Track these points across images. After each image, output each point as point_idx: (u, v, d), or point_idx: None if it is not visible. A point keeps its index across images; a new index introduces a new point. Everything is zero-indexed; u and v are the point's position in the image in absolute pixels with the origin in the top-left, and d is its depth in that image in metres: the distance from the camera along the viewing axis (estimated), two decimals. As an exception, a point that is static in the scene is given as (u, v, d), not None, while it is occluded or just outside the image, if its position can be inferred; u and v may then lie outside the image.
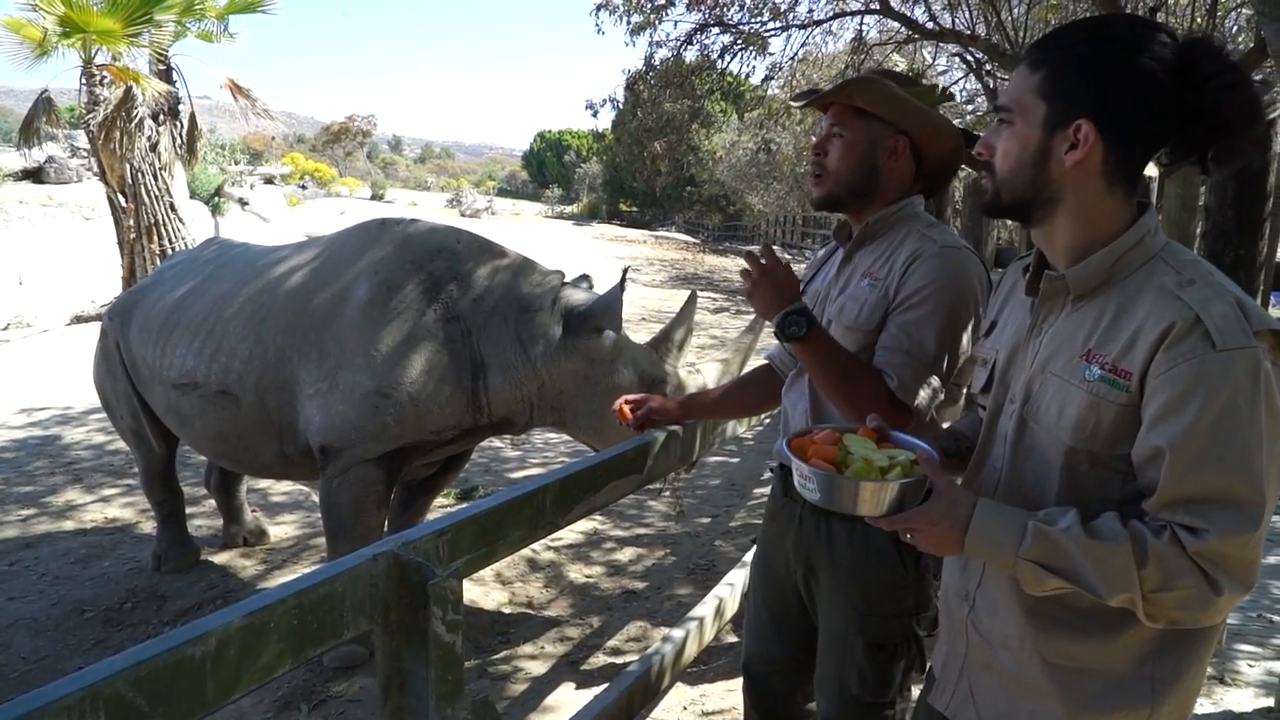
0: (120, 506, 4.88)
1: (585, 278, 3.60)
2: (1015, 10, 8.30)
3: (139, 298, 3.85)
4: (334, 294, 3.23)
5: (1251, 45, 5.57)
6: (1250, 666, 3.26)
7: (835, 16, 10.19)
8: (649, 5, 10.45)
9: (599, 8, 10.76)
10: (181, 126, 11.33)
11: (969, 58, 9.25)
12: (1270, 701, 2.96)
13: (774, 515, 2.11)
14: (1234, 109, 1.11)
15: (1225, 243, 2.91)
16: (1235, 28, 8.12)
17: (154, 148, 10.83)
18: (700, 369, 3.30)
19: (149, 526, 4.56)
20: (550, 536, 4.42)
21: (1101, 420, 1.16)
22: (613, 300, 3.18)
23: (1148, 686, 1.21)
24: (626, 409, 2.18)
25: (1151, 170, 2.73)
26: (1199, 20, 6.89)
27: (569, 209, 46.15)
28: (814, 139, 1.95)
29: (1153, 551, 1.07)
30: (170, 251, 10.96)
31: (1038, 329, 1.29)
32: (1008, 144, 1.25)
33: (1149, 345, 1.11)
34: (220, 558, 4.25)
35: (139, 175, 10.68)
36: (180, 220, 11.21)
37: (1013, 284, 1.44)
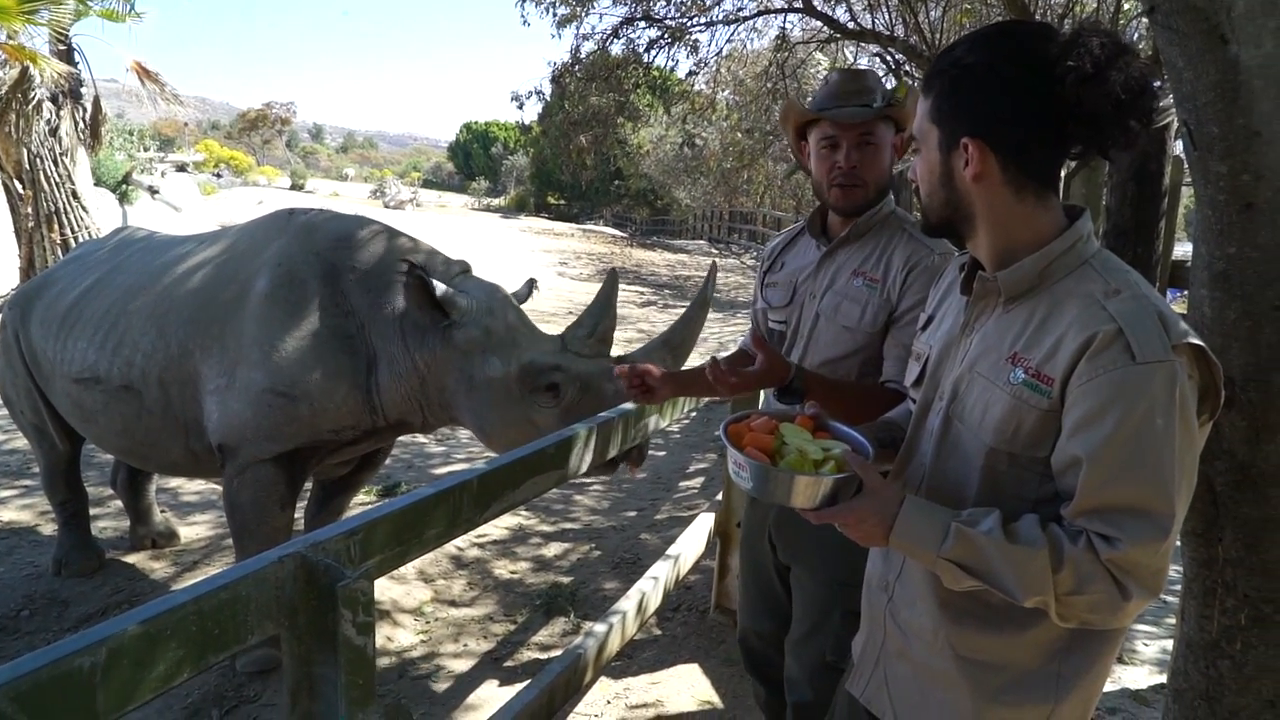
0: (17, 509, 4.63)
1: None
2: (932, 13, 8.51)
3: (40, 289, 3.68)
4: (237, 286, 3.11)
5: (1150, 53, 5.85)
6: (1146, 645, 3.43)
7: (759, 14, 10.28)
8: (575, -3, 10.40)
9: (524, -1, 10.66)
10: (84, 110, 10.78)
11: (889, 58, 9.45)
12: (1164, 678, 3.12)
13: (755, 498, 2.18)
14: (1096, 100, 1.13)
15: (1124, 242, 3.04)
16: (1136, 35, 8.49)
17: (54, 132, 10.28)
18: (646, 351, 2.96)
19: (49, 529, 4.34)
20: (475, 533, 4.39)
21: (1022, 423, 1.19)
22: (479, 288, 3.02)
23: (1053, 681, 1.25)
24: (623, 369, 1.98)
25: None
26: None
27: (496, 202, 45.67)
28: (827, 149, 1.94)
29: (1068, 557, 1.10)
30: (72, 241, 10.44)
31: (970, 328, 1.32)
32: (921, 170, 1.30)
33: (1071, 353, 1.13)
34: (127, 560, 4.07)
35: (38, 161, 10.13)
36: (84, 209, 10.68)
37: (952, 280, 1.46)
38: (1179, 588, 1.87)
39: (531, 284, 3.52)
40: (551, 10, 10.52)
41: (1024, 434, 1.19)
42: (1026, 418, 1.18)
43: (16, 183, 10.24)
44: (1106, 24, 7.32)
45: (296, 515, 3.28)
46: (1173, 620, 3.58)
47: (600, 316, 3.03)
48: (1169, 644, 3.34)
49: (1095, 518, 1.11)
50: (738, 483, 1.27)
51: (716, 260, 3.50)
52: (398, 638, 3.49)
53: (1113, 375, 1.10)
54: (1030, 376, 1.18)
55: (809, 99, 2.13)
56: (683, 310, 3.18)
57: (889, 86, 2.01)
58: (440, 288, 2.86)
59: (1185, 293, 1.77)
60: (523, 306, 3.19)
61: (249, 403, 2.96)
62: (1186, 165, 1.65)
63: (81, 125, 10.75)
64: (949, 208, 1.27)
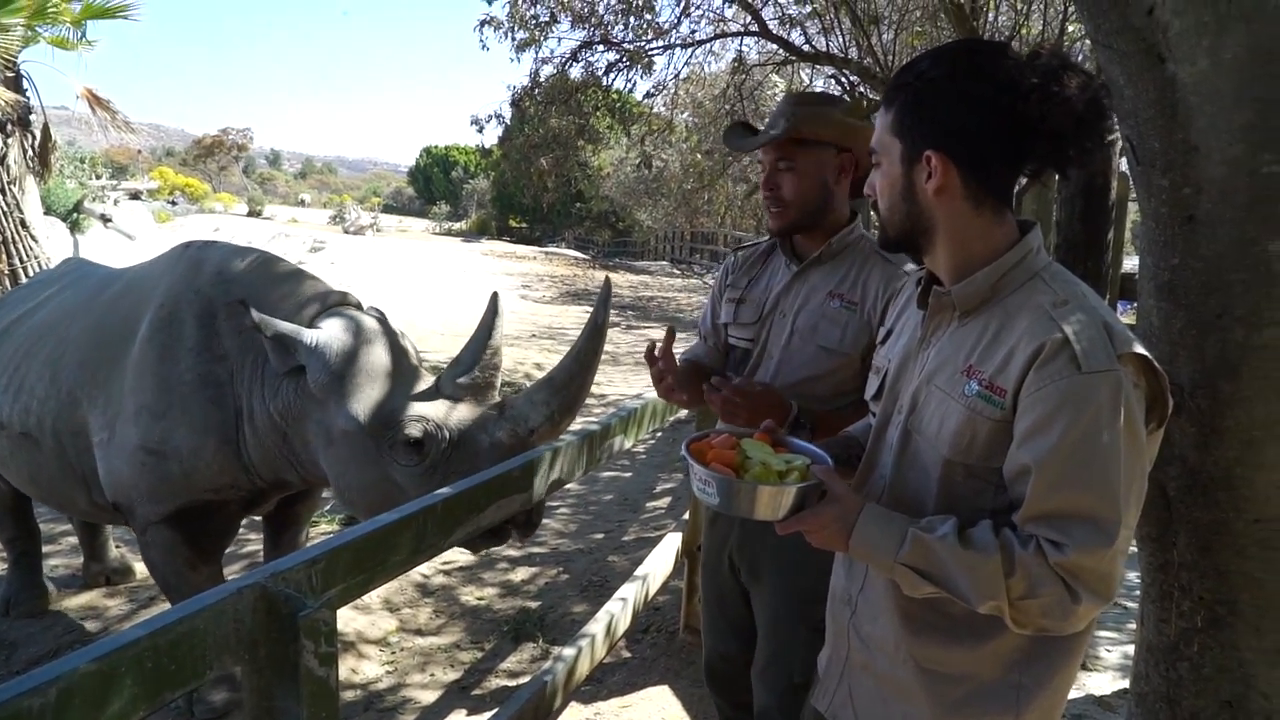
0: (-37, 549, 4.48)
1: (377, 311, 2.88)
2: (885, 36, 8.69)
3: None
4: (125, 327, 2.84)
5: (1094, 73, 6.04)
6: (1108, 651, 3.48)
7: (716, 37, 10.42)
8: (533, 22, 10.44)
9: (483, 23, 10.66)
10: (33, 138, 10.56)
11: (843, 80, 9.62)
12: (1128, 683, 3.16)
13: (714, 520, 2.23)
14: (1060, 117, 1.16)
15: (1075, 255, 3.12)
16: (1081, 56, 8.74)
17: (1, 160, 10.07)
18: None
19: (-3, 569, 4.21)
20: (441, 559, 4.33)
21: (977, 434, 1.21)
22: (343, 323, 2.59)
23: (1013, 693, 1.27)
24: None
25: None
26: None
27: (457, 225, 45.46)
28: (761, 175, 2.04)
29: (1019, 561, 1.12)
30: (21, 271, 10.19)
31: (927, 341, 1.34)
32: (881, 184, 1.32)
33: (1022, 364, 1.16)
34: (80, 599, 3.96)
35: (-16, 190, 9.91)
36: (33, 238, 10.43)
37: (910, 294, 1.49)
38: (1139, 593, 1.90)
39: (378, 312, 2.90)
40: (510, 35, 10.55)
41: (979, 445, 1.21)
42: (980, 429, 1.20)
43: (-38, 213, 10.00)
44: (1053, 42, 7.55)
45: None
46: (1134, 626, 3.64)
47: (478, 353, 2.56)
48: (1131, 649, 3.40)
49: (1043, 523, 1.13)
50: (703, 499, 1.28)
51: (610, 275, 3.34)
52: (363, 669, 3.42)
53: (1059, 385, 1.12)
54: (984, 388, 1.20)
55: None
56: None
57: (845, 104, 2.05)
58: (276, 324, 2.48)
59: (1136, 304, 1.82)
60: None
61: (125, 460, 2.71)
62: (1131, 180, 1.70)
63: (30, 153, 10.53)
64: (909, 221, 1.29)
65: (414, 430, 2.43)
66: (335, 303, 2.77)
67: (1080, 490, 1.11)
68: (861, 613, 1.41)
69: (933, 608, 1.26)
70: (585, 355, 2.46)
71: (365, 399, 2.50)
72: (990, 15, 7.63)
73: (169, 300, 2.79)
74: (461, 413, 2.49)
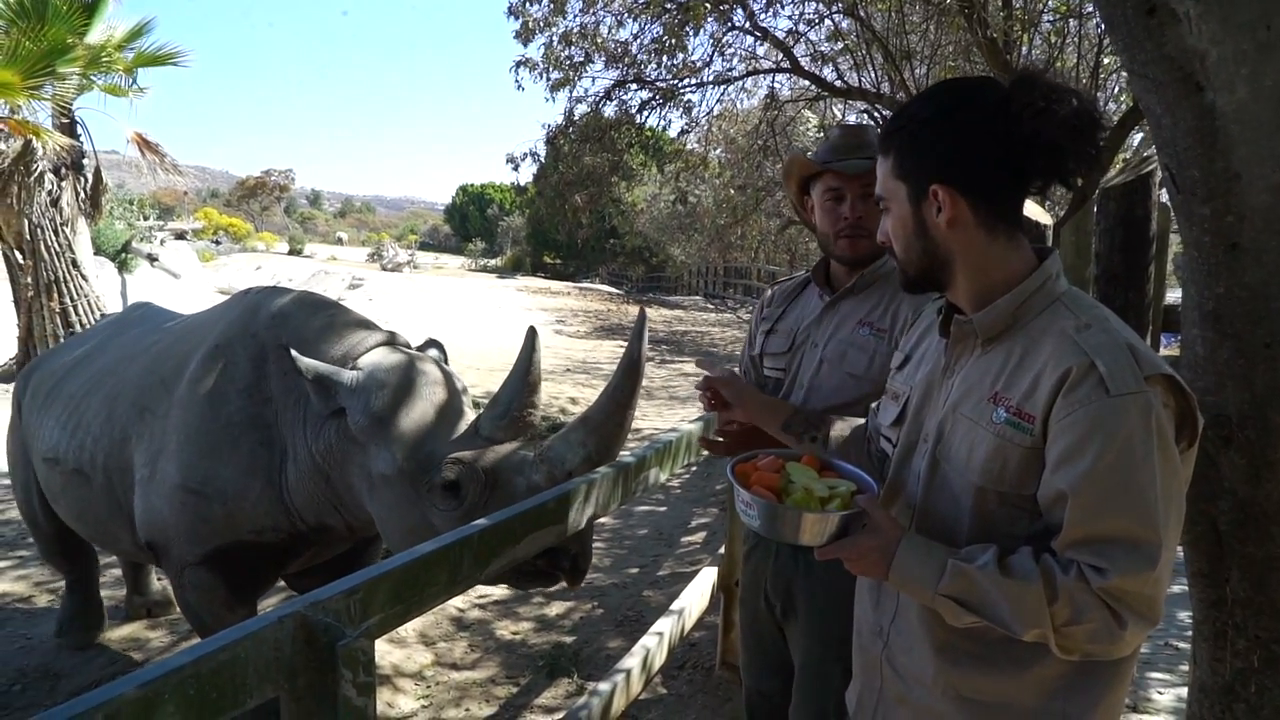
0: (11, 580, 4.57)
1: (434, 343, 2.96)
2: (917, 70, 8.73)
3: (42, 362, 3.66)
4: (176, 368, 2.86)
5: (1131, 104, 5.99)
6: (1160, 694, 3.37)
7: (749, 74, 10.54)
8: (568, 63, 10.64)
9: (519, 64, 10.90)
10: (85, 181, 10.94)
11: (875, 114, 9.65)
12: (1181, 727, 3.05)
13: (749, 553, 2.21)
14: (1053, 131, 1.18)
15: (1115, 287, 3.07)
16: (1117, 88, 8.69)
17: (55, 203, 10.42)
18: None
19: (44, 601, 4.29)
20: (476, 593, 4.33)
21: (1008, 462, 1.20)
22: (385, 364, 2.53)
23: None
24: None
25: (1047, 219, 2.88)
26: (1084, 81, 7.36)
27: (492, 262, 46.08)
28: (833, 200, 2.02)
29: (1061, 588, 1.11)
30: (71, 310, 10.51)
31: (950, 370, 1.34)
32: (893, 227, 1.33)
33: (1049, 389, 1.16)
34: (123, 631, 4.01)
35: (38, 231, 10.24)
36: (84, 277, 10.77)
37: (929, 322, 1.49)
38: (1191, 632, 1.85)
39: (436, 345, 2.97)
40: (545, 75, 10.75)
41: (1010, 472, 1.21)
42: (1011, 456, 1.20)
43: (17, 253, 10.35)
44: (1088, 75, 7.51)
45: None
46: (1186, 667, 3.52)
47: (517, 391, 2.46)
48: (1184, 691, 3.29)
49: (1083, 549, 1.12)
50: (746, 521, 1.28)
51: (645, 308, 3.25)
52: (399, 703, 3.42)
53: (1089, 409, 1.12)
54: (1012, 415, 1.20)
55: (809, 153, 2.18)
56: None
57: None
58: (316, 366, 2.47)
59: (1180, 337, 1.79)
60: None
61: (165, 499, 2.67)
62: (1171, 209, 1.69)
63: (82, 196, 10.91)
64: (926, 257, 1.30)
65: (449, 474, 2.35)
66: (379, 343, 2.72)
67: (1118, 514, 1.10)
68: (895, 644, 1.38)
69: (970, 636, 1.24)
70: (621, 393, 2.34)
71: (403, 441, 2.44)
72: (1024, 49, 7.63)
73: (224, 341, 2.79)
74: (498, 455, 2.39)
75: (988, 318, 1.27)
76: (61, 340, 10.34)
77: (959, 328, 1.31)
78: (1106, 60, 7.75)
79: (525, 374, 2.48)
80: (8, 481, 6.19)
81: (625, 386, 2.33)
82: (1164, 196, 3.01)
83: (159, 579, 4.27)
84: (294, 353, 2.47)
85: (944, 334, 1.36)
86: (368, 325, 2.83)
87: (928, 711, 1.33)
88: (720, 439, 2.02)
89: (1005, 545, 1.19)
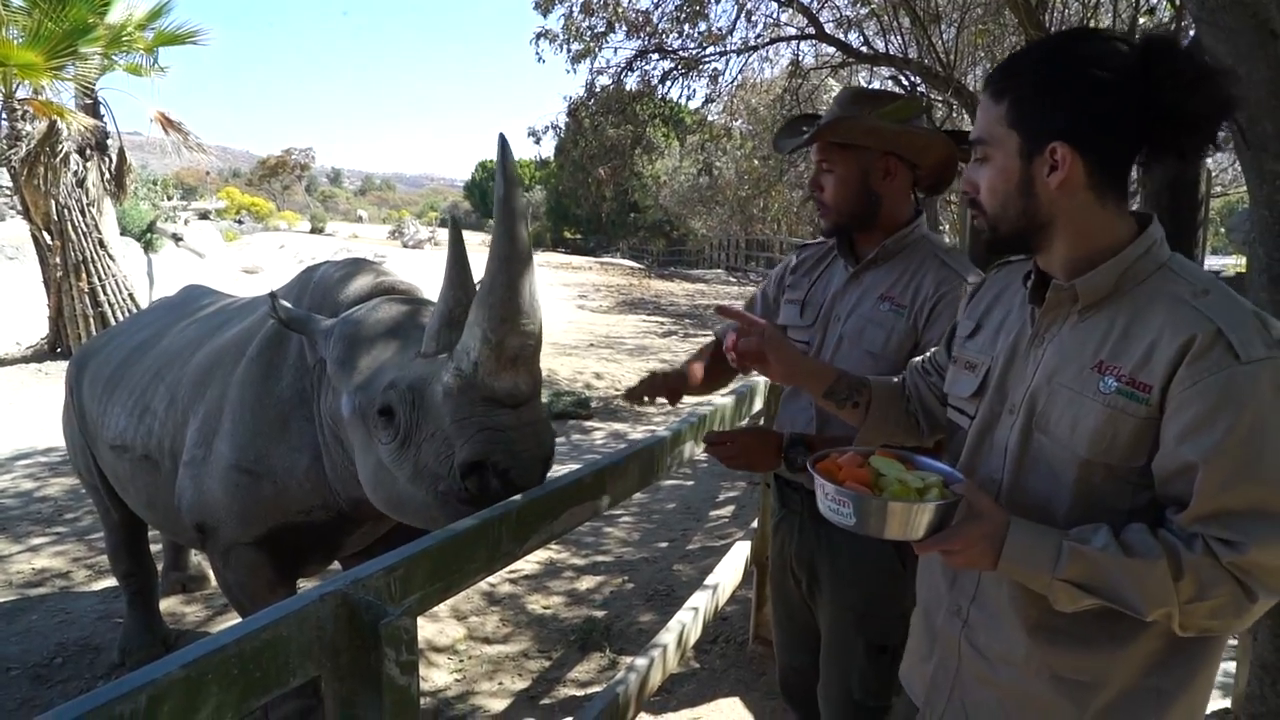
0: (49, 556, 4.63)
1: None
2: (945, 35, 8.52)
3: (98, 347, 3.58)
4: (236, 348, 2.79)
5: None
6: (1205, 667, 3.30)
7: (772, 42, 10.34)
8: (589, 33, 10.50)
9: (539, 36, 10.77)
10: (110, 161, 11.00)
11: (903, 80, 9.46)
12: (1228, 702, 2.99)
13: (776, 529, 2.21)
14: (1200, 104, 1.12)
15: (1162, 250, 2.98)
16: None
17: (81, 183, 10.48)
18: None
19: (81, 575, 4.34)
20: (508, 568, 4.33)
21: (1119, 433, 1.15)
22: (368, 306, 2.34)
23: (1153, 697, 1.20)
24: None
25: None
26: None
27: (513, 238, 45.96)
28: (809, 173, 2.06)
29: (1186, 564, 1.07)
30: (100, 290, 10.60)
31: (1040, 339, 1.28)
32: (991, 179, 1.25)
33: (1169, 358, 1.10)
34: (160, 605, 4.05)
35: (65, 212, 10.32)
36: (110, 257, 10.85)
37: (999, 290, 1.42)
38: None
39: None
40: (566, 46, 10.64)
41: (1120, 444, 1.15)
42: (1123, 427, 1.14)
43: (45, 233, 10.44)
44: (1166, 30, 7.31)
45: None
46: (1233, 641, 3.46)
47: (453, 284, 2.09)
48: (1231, 665, 3.23)
49: (1213, 522, 1.07)
50: (834, 519, 1.20)
51: (503, 133, 2.69)
52: (433, 677, 3.43)
53: (1219, 377, 1.06)
54: (1125, 384, 1.14)
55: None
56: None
57: (889, 102, 1.97)
58: (293, 312, 2.31)
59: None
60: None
61: (218, 479, 2.61)
62: (1241, 166, 1.60)
63: (107, 176, 10.97)
64: (1026, 217, 1.22)
65: (383, 400, 2.08)
66: (380, 290, 2.56)
67: (1253, 485, 1.06)
68: (976, 624, 1.33)
69: (1066, 615, 1.19)
70: (499, 245, 1.92)
71: (358, 380, 2.19)
72: (1058, 9, 7.42)
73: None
74: (418, 368, 2.08)
75: (1092, 282, 1.20)
76: (90, 319, 10.45)
77: (1056, 293, 1.24)
78: (1142, 21, 7.53)
79: (458, 260, 2.09)
80: (45, 459, 6.32)
81: (502, 237, 1.92)
82: (1208, 162, 2.91)
83: (196, 555, 4.31)
84: (280, 301, 2.34)
85: (1035, 301, 1.29)
86: (382, 277, 2.67)
87: (1017, 692, 1.28)
88: (724, 443, 1.97)
89: (1110, 521, 1.14)
